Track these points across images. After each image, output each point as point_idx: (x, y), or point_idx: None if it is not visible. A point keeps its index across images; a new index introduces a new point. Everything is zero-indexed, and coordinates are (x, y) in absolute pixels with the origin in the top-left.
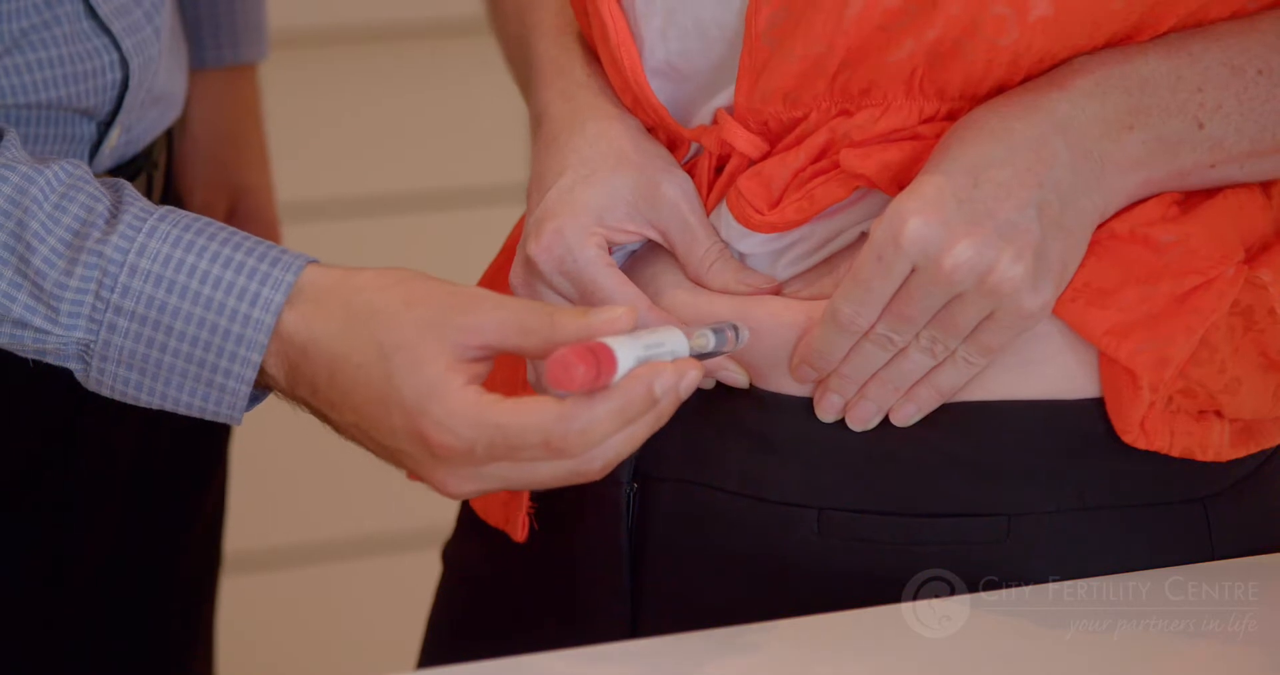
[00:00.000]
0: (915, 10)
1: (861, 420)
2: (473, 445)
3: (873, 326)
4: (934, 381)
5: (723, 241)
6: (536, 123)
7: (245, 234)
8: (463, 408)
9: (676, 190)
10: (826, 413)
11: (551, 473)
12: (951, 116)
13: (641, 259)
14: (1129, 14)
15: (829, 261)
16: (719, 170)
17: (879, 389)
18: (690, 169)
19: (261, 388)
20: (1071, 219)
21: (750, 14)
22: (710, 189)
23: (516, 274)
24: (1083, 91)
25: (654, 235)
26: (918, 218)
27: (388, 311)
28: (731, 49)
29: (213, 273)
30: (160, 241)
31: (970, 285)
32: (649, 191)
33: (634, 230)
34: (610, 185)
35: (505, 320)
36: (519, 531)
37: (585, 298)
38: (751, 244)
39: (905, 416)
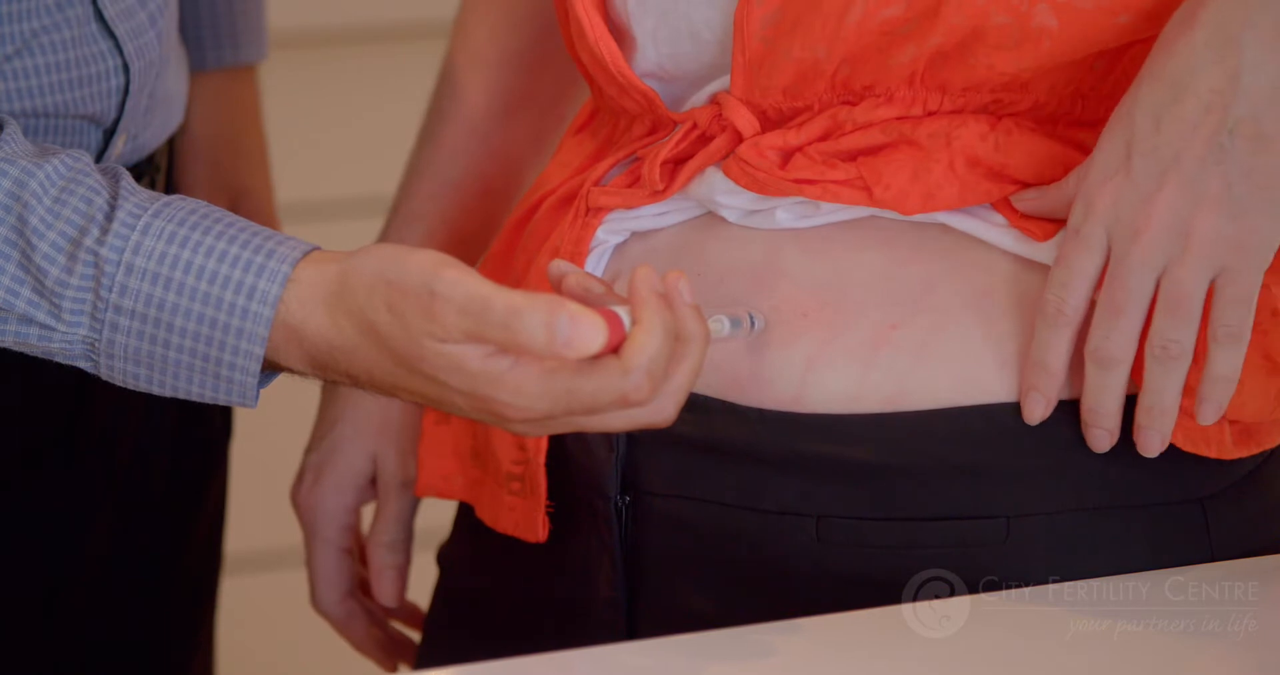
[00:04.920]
0: (916, 19)
1: (1149, 449)
2: (549, 411)
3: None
4: (1211, 374)
5: (710, 204)
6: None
7: (246, 224)
8: (527, 384)
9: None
10: (1098, 443)
11: (626, 421)
12: (954, 110)
13: (631, 257)
14: (1136, 32)
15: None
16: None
17: (1149, 415)
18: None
19: (271, 370)
20: (1273, 123)
21: (740, 12)
22: (692, 155)
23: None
24: None
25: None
26: (1106, 185)
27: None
28: (723, 50)
29: (208, 267)
30: (155, 238)
31: (1176, 248)
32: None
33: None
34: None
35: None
36: (539, 531)
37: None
38: (741, 201)
39: (1207, 417)
